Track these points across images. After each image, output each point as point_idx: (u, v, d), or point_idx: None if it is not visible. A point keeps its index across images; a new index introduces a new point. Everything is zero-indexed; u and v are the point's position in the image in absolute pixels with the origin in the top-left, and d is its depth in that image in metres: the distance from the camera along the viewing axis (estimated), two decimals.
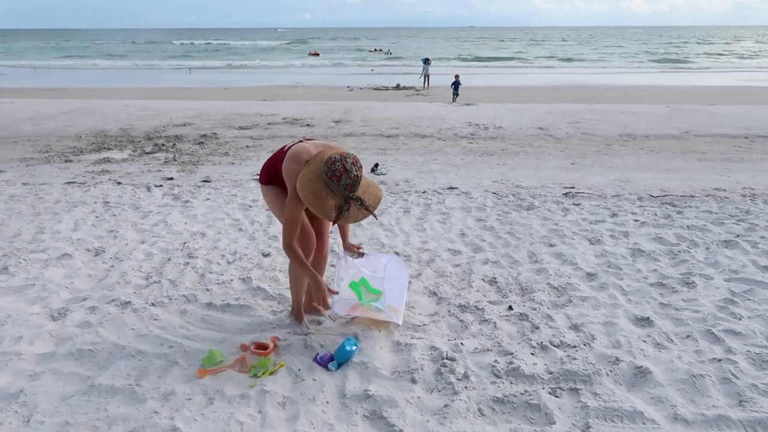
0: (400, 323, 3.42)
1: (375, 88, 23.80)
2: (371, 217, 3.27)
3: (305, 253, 3.29)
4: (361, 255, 3.46)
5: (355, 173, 2.89)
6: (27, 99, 18.13)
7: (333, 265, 4.13)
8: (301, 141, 3.23)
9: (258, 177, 3.43)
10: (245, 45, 77.18)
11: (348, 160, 2.90)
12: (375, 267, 3.51)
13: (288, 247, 3.08)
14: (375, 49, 62.48)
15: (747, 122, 12.53)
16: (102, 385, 2.84)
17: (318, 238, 3.45)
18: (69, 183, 7.19)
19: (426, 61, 25.01)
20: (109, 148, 9.79)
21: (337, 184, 2.87)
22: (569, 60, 46.94)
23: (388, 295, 3.38)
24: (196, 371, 2.95)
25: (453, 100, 18.19)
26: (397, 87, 24.16)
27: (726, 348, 3.16)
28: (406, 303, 3.65)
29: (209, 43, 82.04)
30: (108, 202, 6.20)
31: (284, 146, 3.27)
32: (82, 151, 9.52)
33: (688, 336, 3.30)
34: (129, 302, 3.73)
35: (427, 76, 23.81)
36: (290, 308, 3.58)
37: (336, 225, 3.23)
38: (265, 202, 3.48)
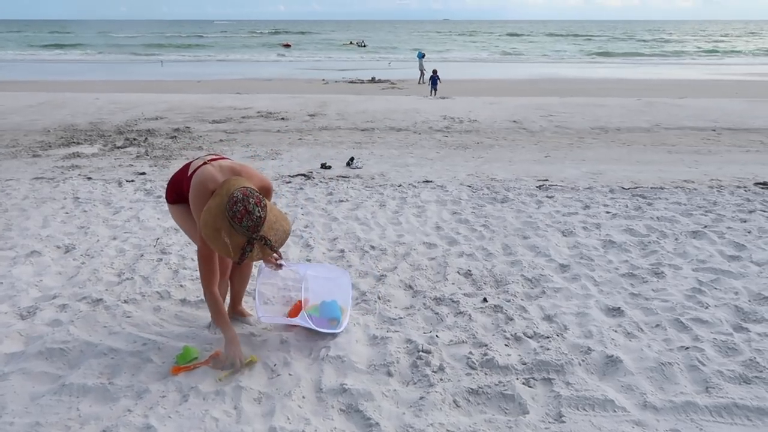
0: (339, 330, 3.26)
1: (350, 82, 23.72)
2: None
3: (214, 279, 3.00)
4: (280, 267, 3.25)
5: (258, 214, 2.73)
6: None
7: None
8: (205, 163, 3.02)
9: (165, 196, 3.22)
10: (209, 37, 75.02)
11: (251, 200, 2.73)
12: (296, 277, 3.47)
13: (207, 292, 2.92)
14: (350, 42, 62.20)
15: (715, 115, 12.81)
16: (73, 384, 2.79)
17: None
18: (37, 178, 7.03)
19: (421, 56, 25.03)
20: (78, 143, 9.59)
21: (239, 225, 2.72)
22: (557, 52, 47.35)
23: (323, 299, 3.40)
24: (170, 369, 2.92)
25: (431, 94, 18.23)
26: (373, 80, 24.12)
27: (693, 336, 3.24)
28: (351, 305, 3.56)
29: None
30: (78, 198, 6.08)
31: (188, 163, 3.11)
32: (50, 146, 9.31)
33: (657, 325, 3.38)
34: (101, 299, 3.67)
35: (422, 71, 23.83)
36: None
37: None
38: (176, 223, 3.29)
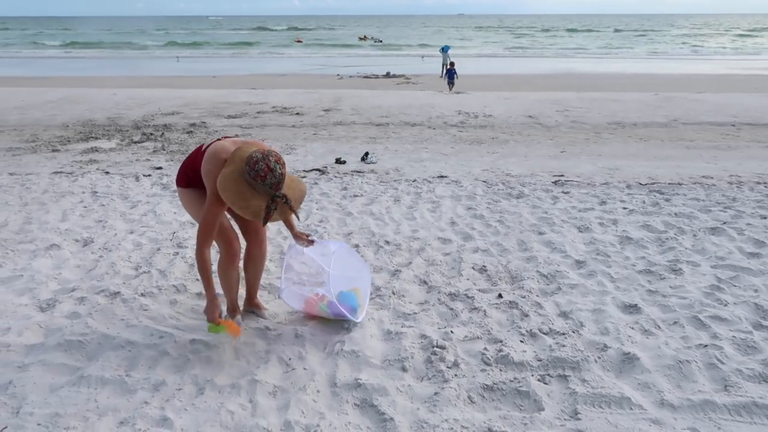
0: (358, 321, 3.31)
1: (365, 77, 23.69)
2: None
3: (229, 259, 3.20)
4: (311, 243, 3.35)
5: (279, 171, 2.76)
6: (12, 88, 17.88)
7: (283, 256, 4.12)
8: (218, 140, 3.09)
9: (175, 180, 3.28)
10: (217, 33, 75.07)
11: (271, 158, 2.77)
12: (325, 254, 3.45)
13: (199, 253, 2.94)
14: (364, 37, 62.10)
15: (734, 110, 12.61)
16: (91, 376, 2.83)
17: (254, 235, 3.38)
18: (56, 173, 7.12)
19: (445, 50, 24.73)
20: (96, 138, 9.70)
21: (262, 183, 2.75)
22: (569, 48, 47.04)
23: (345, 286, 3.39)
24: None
25: (449, 88, 18.10)
26: (387, 75, 24.07)
27: (712, 334, 3.20)
28: (371, 296, 3.63)
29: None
30: (96, 192, 6.15)
31: (201, 146, 3.15)
32: (69, 141, 9.42)
33: (675, 322, 3.34)
34: (118, 293, 3.71)
35: (445, 66, 23.62)
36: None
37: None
38: (183, 206, 3.32)
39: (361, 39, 59.76)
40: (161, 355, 3.03)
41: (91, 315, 3.42)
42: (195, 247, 2.99)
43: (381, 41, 56.93)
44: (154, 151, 8.57)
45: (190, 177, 3.17)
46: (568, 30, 79.98)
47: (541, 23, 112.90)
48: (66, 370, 2.93)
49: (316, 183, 6.63)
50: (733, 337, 3.16)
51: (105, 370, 2.88)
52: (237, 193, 2.78)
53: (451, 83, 18.49)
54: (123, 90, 16.94)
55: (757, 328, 3.27)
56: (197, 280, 3.96)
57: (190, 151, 8.46)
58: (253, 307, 3.52)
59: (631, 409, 2.60)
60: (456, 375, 2.86)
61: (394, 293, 3.75)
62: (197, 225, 3.05)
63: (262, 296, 3.64)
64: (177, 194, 5.92)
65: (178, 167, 3.61)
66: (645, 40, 58.37)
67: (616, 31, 77.69)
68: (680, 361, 2.91)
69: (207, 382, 2.79)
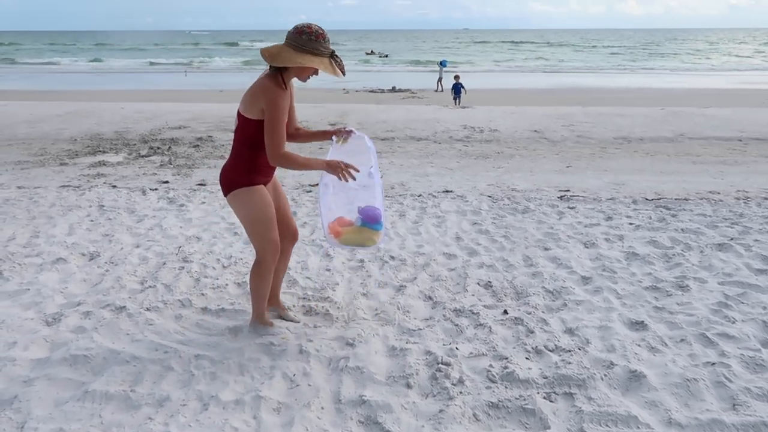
0: (382, 244, 3.44)
1: (371, 91, 23.81)
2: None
3: (274, 260, 3.26)
4: (350, 133, 3.31)
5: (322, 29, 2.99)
6: (21, 101, 18.06)
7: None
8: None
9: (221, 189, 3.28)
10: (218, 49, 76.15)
11: (310, 24, 2.99)
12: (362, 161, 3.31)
13: (280, 157, 2.99)
14: (371, 51, 62.53)
15: (741, 125, 12.59)
16: (96, 390, 2.83)
17: (287, 228, 3.43)
18: (64, 186, 7.18)
19: (443, 64, 24.98)
20: (104, 151, 9.77)
21: (323, 41, 2.96)
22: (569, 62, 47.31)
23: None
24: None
25: (455, 103, 18.16)
26: (393, 90, 24.19)
27: (720, 352, 3.18)
28: (400, 306, 3.69)
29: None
30: (103, 206, 6.18)
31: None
32: (77, 154, 9.50)
33: (682, 340, 3.31)
34: (124, 307, 3.72)
35: (440, 80, 23.85)
36: (251, 317, 3.49)
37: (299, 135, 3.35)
38: (239, 213, 3.25)
39: (367, 54, 60.16)
40: (166, 370, 3.03)
41: (97, 329, 3.43)
42: (273, 157, 3.00)
43: (387, 55, 57.32)
44: (161, 165, 8.62)
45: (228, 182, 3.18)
46: (574, 45, 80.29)
47: (546, 38, 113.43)
48: (71, 384, 2.93)
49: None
50: (741, 354, 3.13)
51: (110, 385, 2.88)
52: (306, 60, 2.92)
53: (457, 98, 18.55)
54: (131, 104, 17.09)
55: (766, 345, 3.24)
56: (202, 294, 3.97)
57: (195, 166, 8.54)
58: (277, 308, 3.60)
59: (638, 427, 2.57)
60: (461, 392, 2.84)
61: (398, 309, 3.74)
62: (248, 234, 3.22)
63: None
64: (184, 209, 5.97)
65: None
66: (651, 54, 58.49)
67: (621, 46, 77.92)
68: (688, 379, 2.88)
69: (211, 398, 2.79)
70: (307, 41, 2.93)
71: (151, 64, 46.49)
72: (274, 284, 3.52)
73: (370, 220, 3.32)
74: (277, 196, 3.40)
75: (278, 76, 3.01)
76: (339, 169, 3.05)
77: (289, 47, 2.96)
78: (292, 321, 3.58)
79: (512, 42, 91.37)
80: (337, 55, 3.04)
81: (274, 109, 2.94)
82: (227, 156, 3.30)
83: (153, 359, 3.12)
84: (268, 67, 3.05)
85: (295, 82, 3.24)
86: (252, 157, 3.13)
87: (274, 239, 3.24)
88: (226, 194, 3.20)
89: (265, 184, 3.25)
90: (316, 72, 3.07)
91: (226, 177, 3.20)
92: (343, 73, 3.06)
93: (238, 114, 3.11)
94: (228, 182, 3.18)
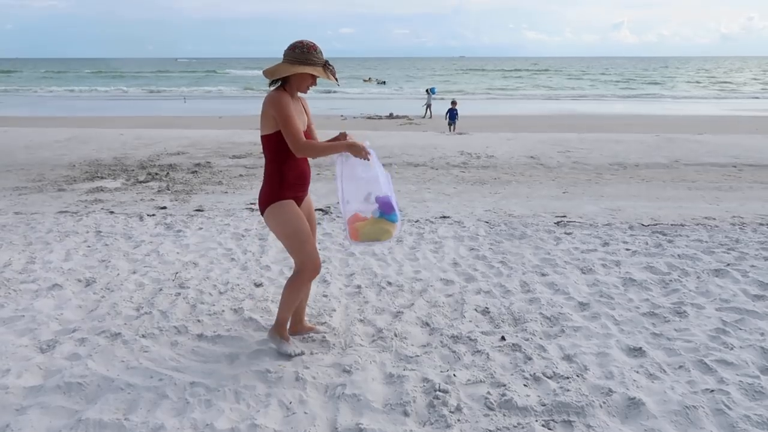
0: (397, 233, 3.53)
1: (368, 117, 24.03)
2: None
3: (309, 277, 3.38)
4: (368, 153, 3.28)
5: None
6: (21, 128, 18.16)
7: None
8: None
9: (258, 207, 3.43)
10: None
11: (302, 40, 3.22)
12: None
13: (302, 147, 3.15)
14: (369, 79, 63.23)
15: (735, 151, 12.70)
16: (90, 419, 2.80)
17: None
18: (61, 212, 7.18)
19: (432, 91, 25.38)
20: (102, 177, 9.80)
21: (315, 52, 3.17)
22: (563, 89, 47.92)
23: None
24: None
25: (449, 129, 18.32)
26: (390, 116, 24.41)
27: (718, 378, 3.16)
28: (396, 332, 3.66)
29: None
30: (100, 232, 6.18)
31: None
32: (75, 180, 9.52)
33: (680, 366, 3.30)
34: (119, 334, 3.70)
35: (428, 106, 24.16)
36: (272, 325, 3.54)
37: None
38: (275, 229, 3.36)
39: (365, 81, 60.82)
40: (161, 398, 3.00)
41: (91, 356, 3.40)
42: (296, 149, 3.15)
43: (385, 82, 57.95)
44: (159, 191, 8.64)
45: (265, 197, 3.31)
46: (568, 73, 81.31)
47: (541, 65, 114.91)
48: (64, 413, 2.89)
49: (319, 223, 6.65)
50: (740, 381, 3.11)
51: (104, 413, 2.85)
52: (302, 69, 3.14)
53: (452, 123, 18.72)
54: (130, 130, 17.19)
55: (765, 372, 3.22)
56: (198, 321, 3.94)
57: (193, 191, 8.56)
58: (301, 330, 3.68)
59: None
60: (459, 420, 2.82)
61: (396, 335, 3.72)
62: (269, 250, 3.14)
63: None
64: (181, 235, 5.97)
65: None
66: (645, 81, 59.23)
67: (615, 73, 78.95)
68: (687, 407, 2.86)
69: (206, 426, 2.76)
70: (301, 54, 3.16)
71: (151, 92, 47.07)
72: (297, 309, 3.59)
73: (387, 209, 3.38)
74: (309, 225, 3.48)
75: (281, 90, 3.24)
76: (361, 149, 3.22)
77: (286, 62, 3.19)
78: (318, 333, 3.72)
79: (507, 69, 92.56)
80: (330, 64, 3.24)
81: (282, 109, 3.14)
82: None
83: (148, 387, 3.09)
84: (268, 84, 3.28)
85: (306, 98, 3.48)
86: (279, 171, 3.29)
87: (310, 252, 3.33)
88: (262, 213, 3.36)
89: (296, 201, 3.36)
90: (314, 82, 3.27)
91: (260, 197, 3.36)
92: (336, 81, 3.33)
93: (261, 139, 3.30)
94: (262, 201, 3.34)
